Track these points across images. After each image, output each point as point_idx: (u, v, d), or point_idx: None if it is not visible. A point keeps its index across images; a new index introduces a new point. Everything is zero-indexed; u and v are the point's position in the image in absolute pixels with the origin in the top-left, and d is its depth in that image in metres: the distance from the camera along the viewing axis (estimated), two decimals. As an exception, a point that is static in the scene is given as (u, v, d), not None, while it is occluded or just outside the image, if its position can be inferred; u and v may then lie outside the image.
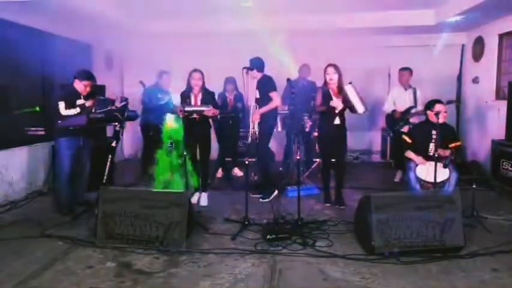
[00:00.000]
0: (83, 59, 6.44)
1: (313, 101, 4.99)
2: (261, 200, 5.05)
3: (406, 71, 5.92)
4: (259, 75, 4.99)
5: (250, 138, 4.92)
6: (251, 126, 4.90)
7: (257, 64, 4.93)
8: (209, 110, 4.61)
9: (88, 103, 4.53)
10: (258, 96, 4.99)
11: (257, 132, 4.88)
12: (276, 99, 4.97)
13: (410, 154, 4.55)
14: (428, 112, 4.57)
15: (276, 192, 5.18)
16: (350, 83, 4.59)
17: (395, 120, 5.91)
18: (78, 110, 4.45)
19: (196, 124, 4.76)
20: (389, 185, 5.75)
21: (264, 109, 4.92)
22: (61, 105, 4.41)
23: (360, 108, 4.55)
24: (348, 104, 4.60)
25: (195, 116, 4.67)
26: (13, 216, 4.51)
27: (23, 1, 4.71)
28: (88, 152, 4.79)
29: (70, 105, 4.44)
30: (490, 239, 3.71)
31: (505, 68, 6.20)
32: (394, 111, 5.91)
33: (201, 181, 5.01)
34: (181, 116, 4.67)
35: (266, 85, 4.95)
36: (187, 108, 4.57)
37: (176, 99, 5.44)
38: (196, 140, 4.86)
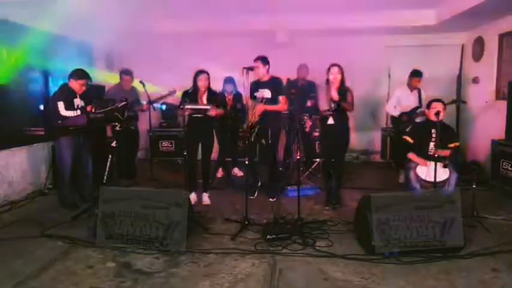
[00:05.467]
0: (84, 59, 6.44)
1: (314, 100, 4.98)
2: (270, 199, 5.05)
3: (419, 77, 5.84)
4: (267, 74, 4.92)
5: (245, 125, 4.81)
6: (250, 116, 4.83)
7: (267, 62, 4.89)
8: (212, 110, 4.62)
9: (89, 107, 4.55)
10: (268, 96, 4.86)
11: (257, 127, 4.84)
12: (285, 104, 4.96)
13: (412, 156, 4.54)
14: (427, 111, 4.60)
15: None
16: (348, 89, 4.65)
17: (402, 123, 5.89)
18: (78, 112, 4.47)
19: (200, 123, 4.77)
20: (389, 185, 5.74)
21: (271, 107, 4.89)
22: (60, 105, 4.43)
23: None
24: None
25: (200, 115, 4.68)
26: (13, 216, 4.51)
27: (23, 1, 4.71)
28: (88, 150, 4.80)
29: (67, 105, 4.46)
30: (490, 239, 3.71)
31: (505, 68, 6.19)
32: (402, 115, 5.89)
33: (202, 181, 5.02)
34: (186, 114, 4.68)
35: (279, 87, 4.93)
36: (189, 106, 4.56)
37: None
38: (199, 139, 4.87)
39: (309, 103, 4.99)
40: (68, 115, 4.46)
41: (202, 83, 4.74)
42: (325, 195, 5.00)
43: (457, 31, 7.06)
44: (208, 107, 4.64)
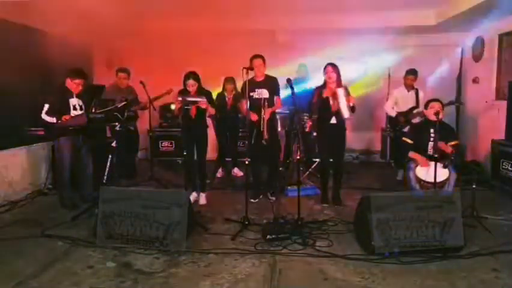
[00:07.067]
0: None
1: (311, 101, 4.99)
2: (271, 198, 5.04)
3: (413, 75, 5.88)
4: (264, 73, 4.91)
5: (266, 135, 4.74)
6: (264, 125, 4.79)
7: (264, 60, 4.87)
8: (203, 102, 4.59)
9: (65, 117, 4.48)
10: (267, 96, 4.84)
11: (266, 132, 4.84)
12: (280, 103, 4.99)
13: (413, 155, 4.52)
14: (425, 111, 4.60)
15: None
16: (345, 87, 4.60)
17: (399, 124, 5.91)
18: (54, 120, 4.45)
19: (194, 124, 4.78)
20: (389, 185, 5.75)
21: (275, 109, 4.93)
22: (45, 107, 4.44)
23: (345, 113, 4.56)
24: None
25: (190, 106, 4.67)
26: (13, 216, 4.51)
27: (22, 1, 4.71)
28: (88, 150, 4.80)
29: (57, 108, 4.45)
30: (490, 239, 3.71)
31: (505, 68, 6.19)
32: (399, 115, 5.90)
33: (199, 181, 5.01)
34: (177, 110, 4.69)
35: (276, 87, 4.93)
36: (180, 98, 4.60)
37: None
38: (194, 140, 4.88)
39: (309, 103, 5.00)
40: (45, 119, 4.47)
41: (190, 88, 4.75)
42: (322, 196, 5.00)
43: (457, 31, 7.05)
44: (197, 99, 4.61)
